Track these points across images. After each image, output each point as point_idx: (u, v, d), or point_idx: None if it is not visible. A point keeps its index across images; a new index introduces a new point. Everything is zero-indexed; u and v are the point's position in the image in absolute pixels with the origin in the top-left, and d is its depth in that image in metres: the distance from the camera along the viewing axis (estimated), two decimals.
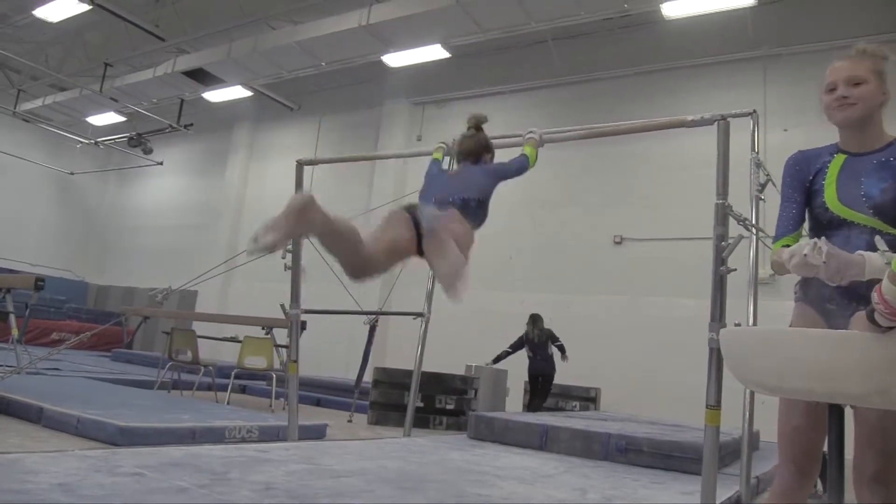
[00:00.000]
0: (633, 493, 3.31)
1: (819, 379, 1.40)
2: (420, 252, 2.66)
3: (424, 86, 12.59)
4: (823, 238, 1.54)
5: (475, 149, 3.17)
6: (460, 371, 8.49)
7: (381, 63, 11.02)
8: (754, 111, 3.25)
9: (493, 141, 3.24)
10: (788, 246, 1.85)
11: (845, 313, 1.79)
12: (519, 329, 8.62)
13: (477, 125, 3.24)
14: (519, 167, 3.16)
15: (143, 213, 17.49)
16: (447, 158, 3.69)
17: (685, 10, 8.77)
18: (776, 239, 1.96)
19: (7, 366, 5.59)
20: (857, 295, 1.76)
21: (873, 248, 1.68)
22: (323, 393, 8.73)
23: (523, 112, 11.52)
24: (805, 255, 1.50)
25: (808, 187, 1.95)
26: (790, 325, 1.96)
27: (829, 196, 1.87)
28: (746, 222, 2.86)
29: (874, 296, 1.35)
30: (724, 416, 2.72)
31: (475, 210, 2.93)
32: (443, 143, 3.73)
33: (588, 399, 9.14)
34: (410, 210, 2.69)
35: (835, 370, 1.22)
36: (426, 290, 5.15)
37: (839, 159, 1.92)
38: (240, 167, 15.31)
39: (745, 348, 1.62)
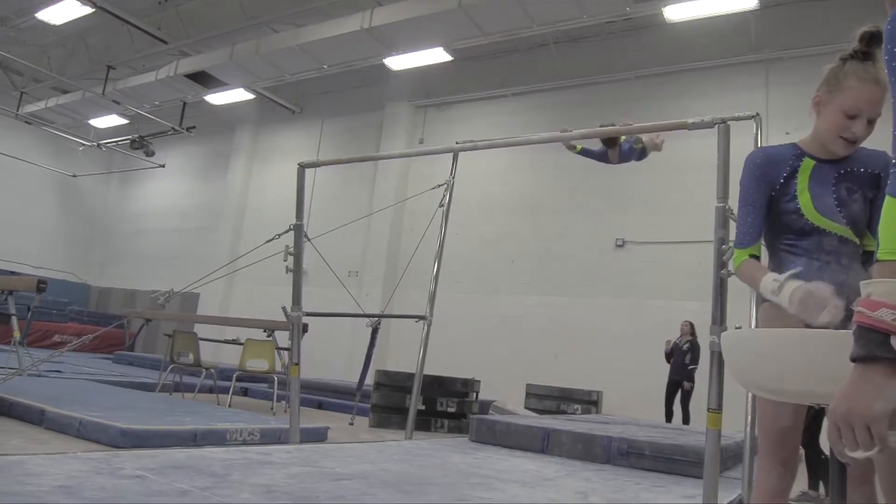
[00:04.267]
0: (634, 497, 3.30)
1: (821, 381, 1.39)
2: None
3: (426, 89, 12.61)
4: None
5: (612, 138, 4.78)
6: (461, 374, 8.50)
7: (383, 66, 11.05)
8: (757, 114, 3.25)
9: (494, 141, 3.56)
10: (756, 257, 1.89)
11: None
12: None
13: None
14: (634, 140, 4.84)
15: (145, 215, 17.52)
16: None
17: (687, 13, 8.78)
18: (741, 246, 1.91)
19: (9, 368, 5.60)
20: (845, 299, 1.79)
21: (841, 252, 1.84)
22: (325, 396, 8.73)
23: (525, 115, 11.54)
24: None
25: (774, 192, 1.89)
26: (757, 326, 1.96)
27: (805, 204, 1.86)
28: None
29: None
30: (725, 419, 2.72)
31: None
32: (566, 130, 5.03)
33: (590, 402, 9.13)
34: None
35: (837, 372, 1.21)
36: (428, 292, 5.15)
37: (808, 165, 1.88)
38: (242, 170, 15.33)
39: (747, 351, 1.61)
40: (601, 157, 4.95)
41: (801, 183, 1.88)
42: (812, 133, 1.92)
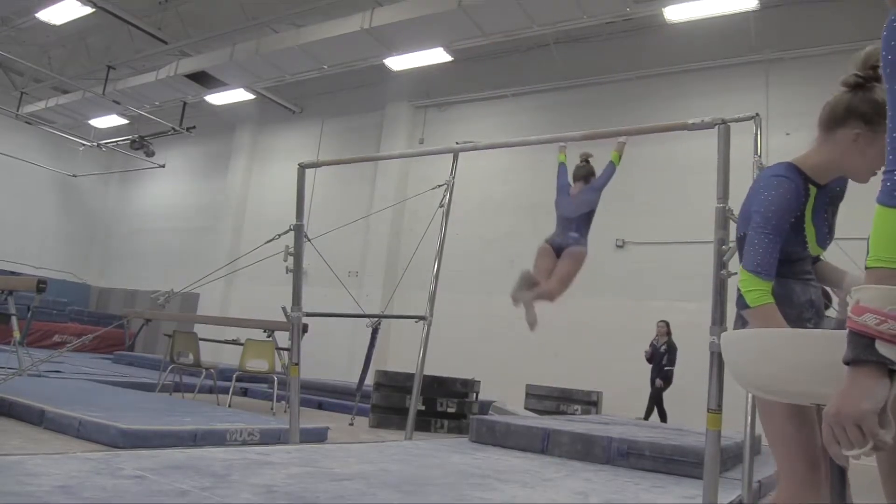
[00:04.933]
0: (634, 497, 3.30)
1: (821, 381, 1.39)
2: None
3: (426, 89, 12.61)
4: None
5: (585, 175, 4.86)
6: (461, 374, 8.50)
7: (383, 66, 11.04)
8: (757, 115, 3.25)
9: (495, 142, 3.68)
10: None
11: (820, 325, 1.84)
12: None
13: (585, 159, 4.91)
14: (610, 173, 4.78)
15: (145, 215, 17.52)
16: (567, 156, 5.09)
17: (687, 13, 8.78)
18: (766, 276, 1.73)
19: (9, 368, 5.60)
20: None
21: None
22: (324, 396, 8.72)
23: (525, 115, 11.53)
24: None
25: (789, 223, 1.81)
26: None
27: (811, 237, 1.84)
28: None
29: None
30: (725, 419, 2.71)
31: (587, 217, 4.77)
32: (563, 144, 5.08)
33: (590, 403, 9.12)
34: (549, 241, 4.83)
35: (836, 372, 1.21)
36: (428, 293, 5.15)
37: (813, 194, 1.84)
38: (242, 170, 15.33)
39: (746, 351, 1.61)
40: (564, 189, 4.93)
41: (808, 214, 1.84)
42: (825, 161, 1.80)
